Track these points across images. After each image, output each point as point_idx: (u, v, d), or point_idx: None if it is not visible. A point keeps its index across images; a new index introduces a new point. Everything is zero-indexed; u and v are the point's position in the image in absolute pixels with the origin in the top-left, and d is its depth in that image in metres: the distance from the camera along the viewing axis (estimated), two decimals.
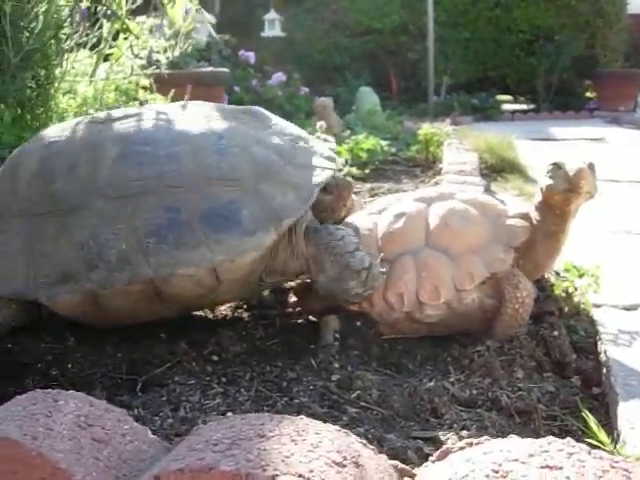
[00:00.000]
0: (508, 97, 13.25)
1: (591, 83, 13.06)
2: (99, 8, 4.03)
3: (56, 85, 3.63)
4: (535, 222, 2.42)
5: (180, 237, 2.20)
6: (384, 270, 2.35)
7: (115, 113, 2.51)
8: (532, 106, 12.68)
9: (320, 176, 2.39)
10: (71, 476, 1.26)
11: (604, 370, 2.19)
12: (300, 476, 1.16)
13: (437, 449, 1.47)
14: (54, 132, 2.50)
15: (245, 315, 2.68)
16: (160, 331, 2.41)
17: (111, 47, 4.36)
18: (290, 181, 2.34)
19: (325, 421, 1.50)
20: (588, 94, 13.19)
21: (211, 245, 2.20)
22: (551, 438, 1.28)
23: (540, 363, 2.28)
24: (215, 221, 2.22)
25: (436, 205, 2.50)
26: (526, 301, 2.38)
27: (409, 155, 6.24)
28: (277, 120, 2.59)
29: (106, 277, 2.21)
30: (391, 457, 1.52)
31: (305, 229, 2.38)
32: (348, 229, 2.41)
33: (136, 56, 4.62)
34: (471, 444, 1.38)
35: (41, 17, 3.30)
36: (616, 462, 1.20)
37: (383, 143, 6.07)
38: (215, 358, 2.27)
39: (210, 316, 2.68)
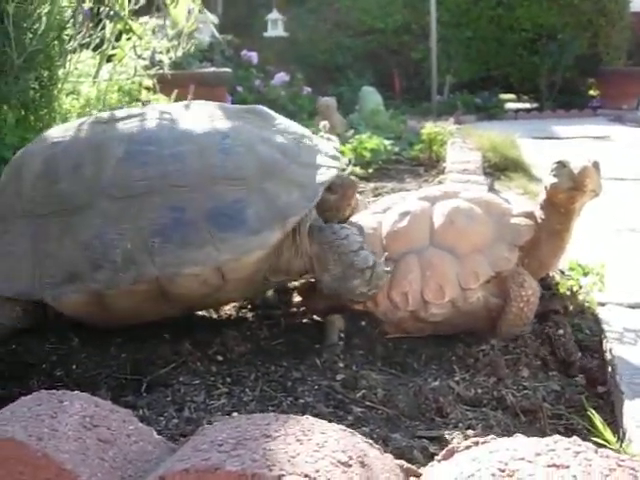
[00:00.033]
0: (511, 96, 13.23)
1: (594, 81, 13.04)
2: (102, 9, 4.02)
3: (59, 86, 3.63)
4: (540, 221, 2.42)
5: (185, 236, 2.20)
6: (388, 269, 2.34)
7: (119, 113, 2.51)
8: (535, 105, 12.65)
9: (325, 175, 2.39)
10: (77, 477, 1.26)
11: (609, 369, 2.19)
12: (306, 476, 1.16)
13: (443, 448, 1.47)
14: (58, 133, 2.50)
15: (249, 315, 2.68)
16: (164, 331, 2.41)
17: (114, 48, 4.36)
18: (295, 180, 2.34)
19: (330, 421, 1.50)
20: (591, 92, 13.17)
21: (216, 244, 2.20)
22: (557, 437, 1.28)
23: (545, 362, 2.28)
24: (220, 220, 2.22)
25: (440, 204, 2.50)
26: (531, 300, 2.37)
27: (412, 154, 6.23)
28: (281, 119, 2.59)
29: (111, 277, 2.21)
30: (397, 456, 1.52)
31: (309, 228, 2.38)
32: (352, 228, 2.40)
33: (139, 57, 4.62)
34: (477, 443, 1.37)
35: (44, 18, 3.29)
36: (622, 461, 1.20)
37: (386, 142, 6.06)
38: (220, 358, 2.27)
39: (214, 316, 2.68)
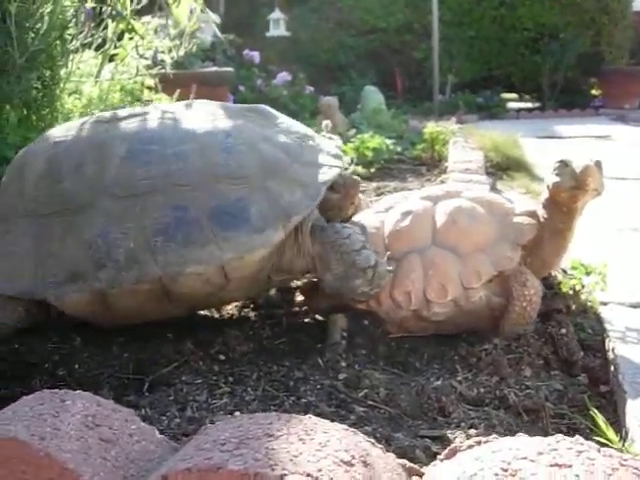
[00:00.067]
0: (513, 95, 13.22)
1: (596, 81, 13.01)
2: (104, 8, 4.03)
3: (61, 86, 3.63)
4: (542, 220, 2.42)
5: (188, 235, 2.20)
6: (390, 268, 2.34)
7: (121, 113, 2.51)
8: (537, 104, 12.64)
9: (327, 174, 2.39)
10: (79, 476, 1.26)
11: (612, 368, 2.19)
12: (308, 475, 1.16)
13: (445, 448, 1.47)
14: (60, 132, 2.50)
15: (252, 314, 2.68)
16: (167, 331, 2.41)
17: (116, 47, 4.37)
18: (298, 179, 2.34)
19: (333, 420, 1.50)
20: (593, 92, 13.16)
21: (219, 243, 2.20)
22: (560, 436, 1.28)
23: (548, 361, 2.27)
24: (223, 219, 2.22)
25: (443, 203, 2.50)
26: (534, 299, 2.37)
27: (415, 154, 6.23)
28: (283, 118, 2.59)
29: (114, 276, 2.21)
30: (399, 456, 1.52)
31: (311, 227, 2.38)
32: (355, 227, 2.41)
33: (141, 56, 4.62)
34: (479, 442, 1.37)
35: (46, 18, 3.30)
36: (625, 460, 1.19)
37: (388, 142, 6.05)
38: (222, 357, 2.27)
39: (217, 316, 2.68)
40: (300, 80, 10.03)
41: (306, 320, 2.60)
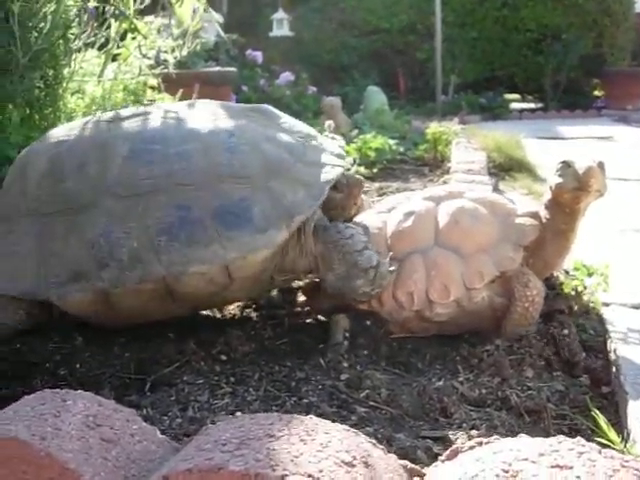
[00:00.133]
0: (516, 96, 13.23)
1: (599, 82, 13.02)
2: (107, 8, 4.03)
3: (64, 85, 3.63)
4: (544, 221, 2.42)
5: (192, 235, 2.20)
6: (392, 269, 2.34)
7: (124, 112, 2.51)
8: (540, 105, 12.65)
9: (330, 173, 2.39)
10: (80, 476, 1.26)
11: (613, 369, 2.19)
12: (309, 476, 1.15)
13: (446, 449, 1.47)
14: (63, 131, 2.50)
15: (254, 315, 2.68)
16: (168, 331, 2.41)
17: (119, 47, 4.36)
18: (301, 179, 2.34)
19: (334, 421, 1.50)
20: (596, 93, 13.16)
21: (223, 242, 2.20)
22: (561, 437, 1.28)
23: (549, 362, 2.27)
24: (227, 218, 2.22)
25: (445, 204, 2.50)
26: (536, 299, 2.37)
27: (417, 154, 6.23)
28: (286, 118, 2.59)
29: (117, 276, 2.21)
30: (400, 457, 1.52)
31: (314, 227, 2.38)
32: (357, 228, 2.40)
33: (144, 56, 4.61)
34: (481, 443, 1.37)
35: (49, 17, 3.29)
36: (627, 461, 1.19)
37: (391, 142, 6.05)
38: (224, 358, 2.27)
39: (218, 316, 2.68)
40: (303, 80, 10.04)
41: (308, 320, 2.60)
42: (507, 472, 1.18)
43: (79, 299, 2.26)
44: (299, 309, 2.68)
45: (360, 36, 12.77)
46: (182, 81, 5.32)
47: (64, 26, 3.47)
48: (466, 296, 2.36)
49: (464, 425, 1.88)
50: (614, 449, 1.52)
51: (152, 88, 5.04)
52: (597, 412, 1.86)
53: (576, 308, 2.63)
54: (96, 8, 3.86)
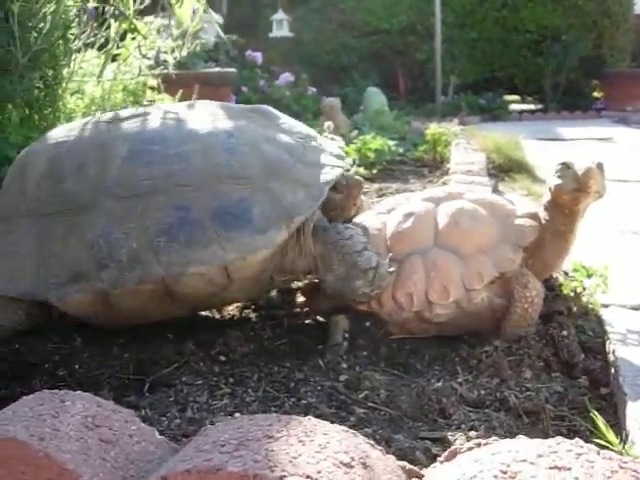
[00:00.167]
0: (516, 97, 13.23)
1: (598, 83, 13.02)
2: (107, 8, 4.03)
3: (64, 85, 3.63)
4: (544, 222, 2.42)
5: (191, 235, 2.20)
6: (392, 270, 2.34)
7: (123, 113, 2.51)
8: (540, 106, 12.65)
9: (330, 174, 2.39)
10: (78, 477, 1.26)
11: (612, 370, 2.19)
12: (308, 477, 1.16)
13: (445, 450, 1.47)
14: (62, 132, 2.50)
15: (253, 315, 2.68)
16: (167, 331, 2.41)
17: (119, 47, 4.36)
18: (300, 179, 2.34)
19: (333, 422, 1.50)
20: (595, 94, 13.16)
21: (222, 243, 2.20)
22: (560, 438, 1.28)
23: (548, 363, 2.27)
24: (226, 219, 2.22)
25: (445, 205, 2.50)
26: (535, 300, 2.37)
27: (417, 155, 6.23)
28: (285, 119, 2.59)
29: (117, 276, 2.21)
30: (399, 458, 1.52)
31: (313, 228, 2.38)
32: (357, 228, 2.40)
33: (144, 56, 4.62)
34: (479, 445, 1.37)
35: (49, 17, 3.30)
36: (625, 463, 1.19)
37: (391, 143, 6.06)
38: (223, 358, 2.27)
39: (217, 316, 2.68)
40: (303, 81, 10.04)
41: (307, 321, 2.60)
42: (505, 473, 1.18)
43: (78, 300, 2.26)
44: (298, 310, 2.68)
45: (360, 37, 12.77)
46: (182, 82, 5.32)
47: (64, 26, 3.47)
48: (465, 297, 2.36)
49: (463, 426, 1.88)
50: (612, 450, 1.52)
51: (152, 89, 5.04)
52: (596, 413, 1.86)
53: (575, 309, 2.63)
54: (96, 8, 3.86)
